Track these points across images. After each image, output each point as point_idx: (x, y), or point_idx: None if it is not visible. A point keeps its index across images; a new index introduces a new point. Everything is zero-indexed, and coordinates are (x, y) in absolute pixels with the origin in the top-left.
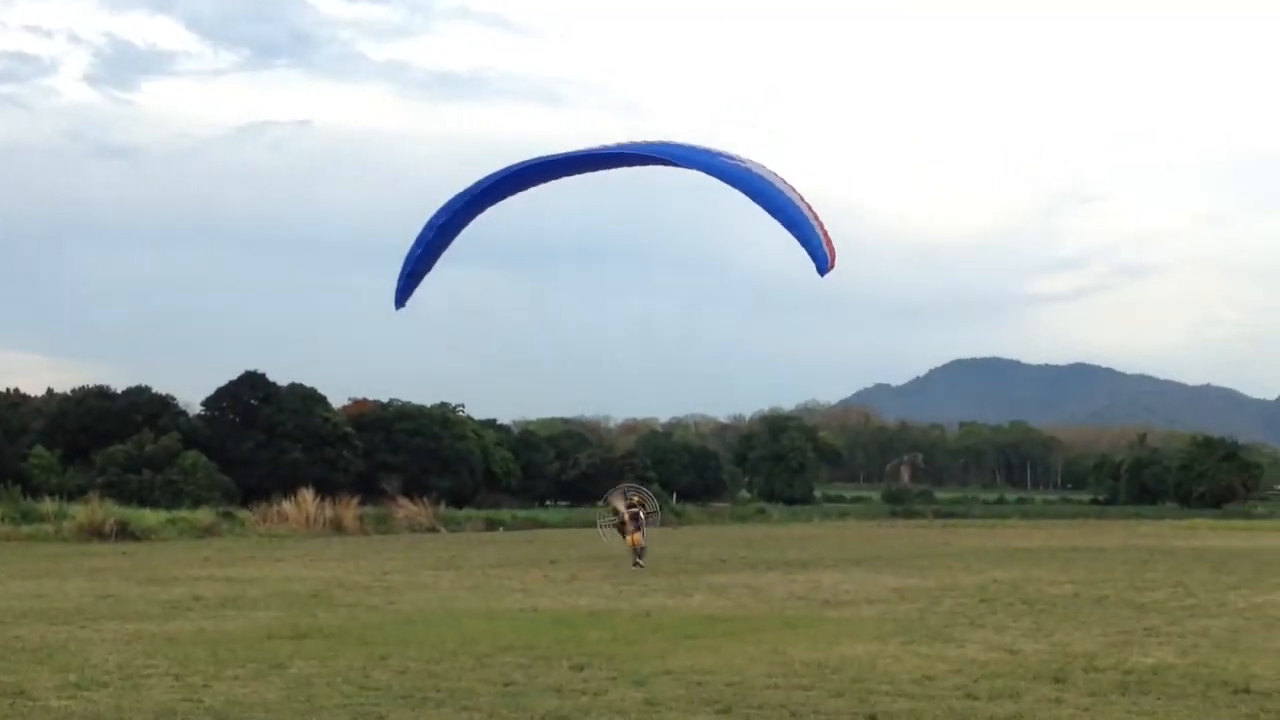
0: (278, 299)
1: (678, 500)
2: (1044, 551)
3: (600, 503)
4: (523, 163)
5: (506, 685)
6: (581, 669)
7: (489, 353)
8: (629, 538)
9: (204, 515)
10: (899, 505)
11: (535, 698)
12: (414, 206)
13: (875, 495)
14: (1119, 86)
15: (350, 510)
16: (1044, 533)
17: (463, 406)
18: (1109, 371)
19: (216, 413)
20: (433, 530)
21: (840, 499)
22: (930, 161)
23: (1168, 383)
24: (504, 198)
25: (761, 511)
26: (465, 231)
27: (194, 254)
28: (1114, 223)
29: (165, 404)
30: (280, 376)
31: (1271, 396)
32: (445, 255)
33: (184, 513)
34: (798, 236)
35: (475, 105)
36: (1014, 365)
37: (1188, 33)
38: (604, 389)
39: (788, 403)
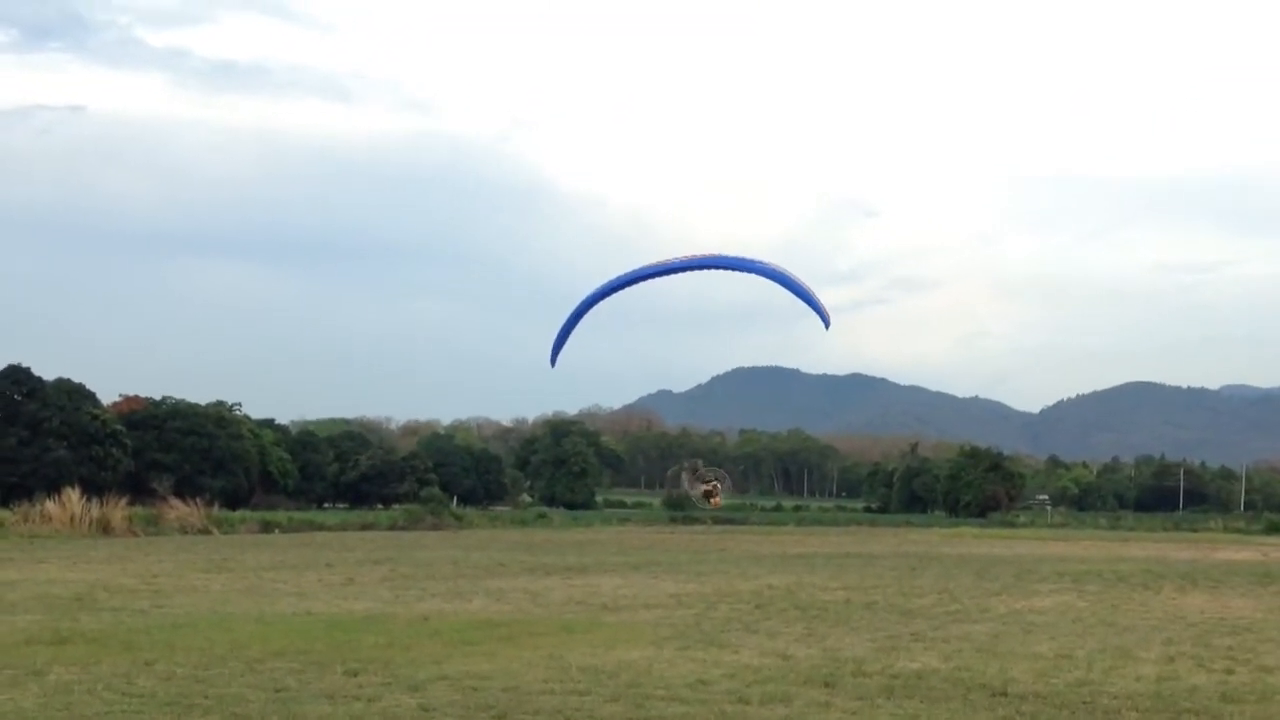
0: (45, 290)
1: (458, 503)
2: (818, 558)
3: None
4: (637, 270)
5: (278, 691)
6: (356, 674)
7: (269, 351)
8: (711, 501)
9: None
10: (679, 511)
11: (307, 704)
12: (193, 198)
13: (656, 501)
14: (903, 105)
15: (118, 511)
16: (818, 539)
17: (239, 405)
18: (884, 382)
19: None
20: (205, 532)
21: (621, 504)
22: (718, 174)
23: (939, 394)
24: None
25: (542, 516)
26: (242, 226)
27: None
28: (892, 238)
29: None
30: (46, 371)
31: (1035, 409)
32: (224, 249)
33: None
34: (813, 308)
35: (258, 97)
36: (794, 374)
37: (970, 58)
38: (386, 390)
39: (571, 407)
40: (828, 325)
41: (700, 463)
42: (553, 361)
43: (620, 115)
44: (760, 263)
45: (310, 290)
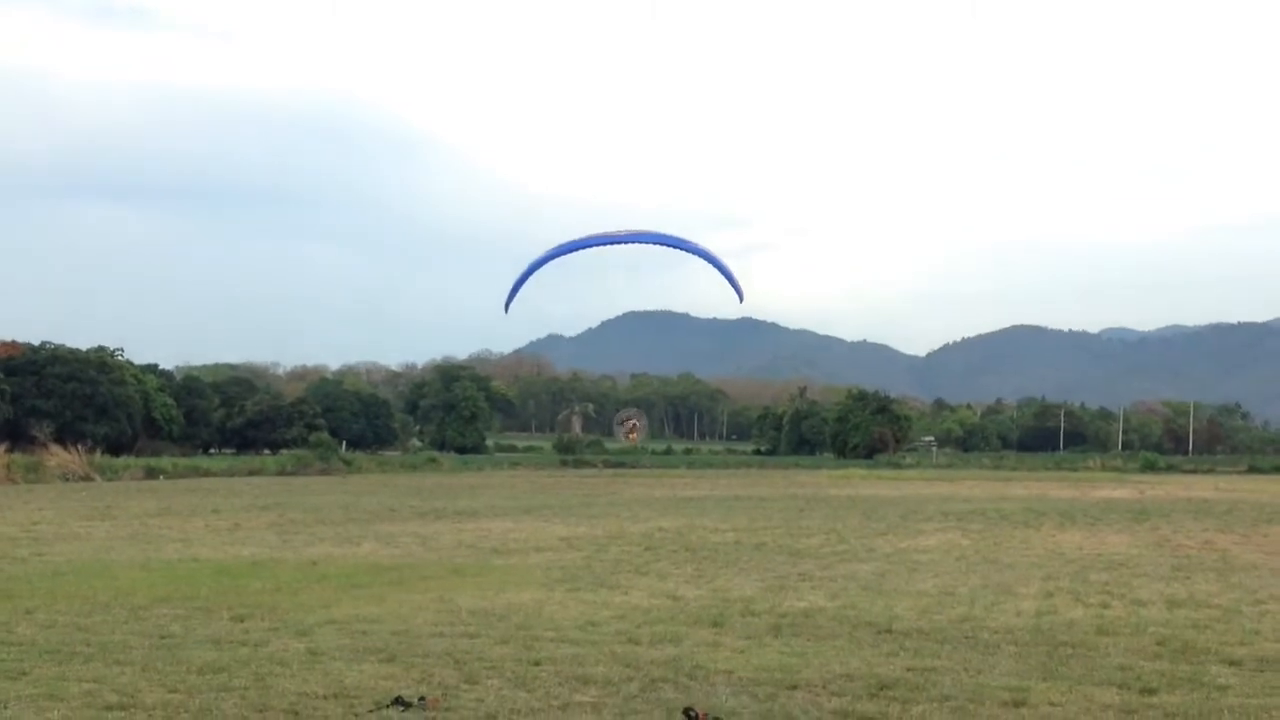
0: None
1: (347, 448)
2: (708, 500)
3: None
4: (585, 238)
5: (163, 638)
6: (242, 620)
7: (152, 296)
8: (628, 437)
9: None
10: (570, 455)
11: (193, 650)
12: (72, 138)
13: (547, 445)
14: (786, 57)
15: None
16: (709, 482)
17: (121, 350)
18: (774, 326)
19: None
20: (88, 479)
21: (512, 448)
22: (599, 127)
23: (827, 338)
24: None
25: (433, 460)
26: (123, 168)
27: None
28: (782, 183)
29: None
30: None
31: (921, 353)
32: (106, 191)
33: None
34: (730, 282)
35: (140, 38)
36: (684, 318)
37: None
38: (273, 335)
39: (460, 351)
40: (741, 300)
41: (591, 407)
42: (506, 308)
43: (509, 71)
44: (690, 242)
45: (195, 234)
